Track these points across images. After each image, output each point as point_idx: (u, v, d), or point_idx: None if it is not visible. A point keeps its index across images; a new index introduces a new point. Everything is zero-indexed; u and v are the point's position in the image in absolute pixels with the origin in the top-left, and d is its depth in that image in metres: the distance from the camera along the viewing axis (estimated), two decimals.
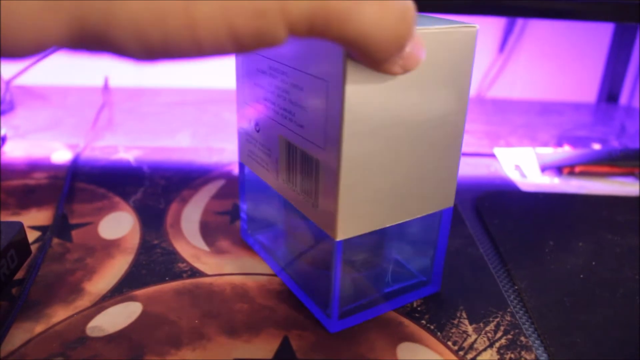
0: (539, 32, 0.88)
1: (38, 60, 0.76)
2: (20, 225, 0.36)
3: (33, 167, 0.53)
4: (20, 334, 0.31)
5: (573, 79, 0.91)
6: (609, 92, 0.87)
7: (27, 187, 0.48)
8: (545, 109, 0.82)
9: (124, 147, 0.59)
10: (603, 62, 0.89)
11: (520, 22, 0.87)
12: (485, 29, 0.87)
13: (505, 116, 0.77)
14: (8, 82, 0.72)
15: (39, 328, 0.32)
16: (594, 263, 0.40)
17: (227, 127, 0.64)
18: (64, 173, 0.51)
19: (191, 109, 0.73)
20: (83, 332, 0.32)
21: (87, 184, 0.50)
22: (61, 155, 0.56)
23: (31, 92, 0.77)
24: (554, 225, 0.45)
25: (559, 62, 0.90)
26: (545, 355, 0.31)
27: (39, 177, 0.50)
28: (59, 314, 0.33)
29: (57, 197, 0.47)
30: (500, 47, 0.88)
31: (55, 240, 0.40)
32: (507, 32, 0.87)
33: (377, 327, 0.33)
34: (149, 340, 0.31)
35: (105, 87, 0.76)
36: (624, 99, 0.89)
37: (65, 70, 0.83)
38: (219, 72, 0.85)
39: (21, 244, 0.36)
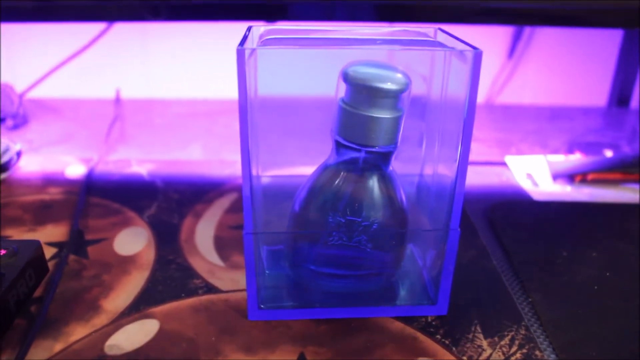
0: (548, 36, 0.87)
1: (50, 73, 0.77)
2: (37, 243, 0.37)
3: (48, 181, 0.53)
4: (39, 352, 0.32)
5: (583, 82, 0.91)
6: (620, 96, 0.87)
7: (42, 203, 0.49)
8: (556, 114, 0.81)
9: (136, 160, 0.59)
10: (613, 64, 0.89)
11: (528, 27, 0.86)
12: (494, 35, 0.87)
13: (515, 123, 0.77)
14: (21, 96, 0.73)
15: (58, 346, 0.32)
16: (608, 274, 0.40)
17: (238, 139, 0.65)
18: (78, 188, 0.52)
19: (203, 120, 0.73)
20: (101, 351, 0.32)
21: (102, 198, 0.50)
22: (75, 170, 0.56)
23: (44, 105, 0.78)
24: (567, 235, 0.45)
25: (568, 66, 0.89)
26: None
27: (54, 192, 0.51)
28: (77, 332, 0.33)
29: (73, 213, 0.47)
30: (509, 52, 0.88)
31: (72, 257, 0.41)
32: (516, 38, 0.87)
33: (393, 342, 0.33)
34: (167, 358, 0.31)
35: (117, 100, 0.77)
36: (635, 102, 0.88)
37: (77, 82, 0.84)
38: (230, 82, 0.85)
39: (39, 262, 0.37)
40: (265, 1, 0.55)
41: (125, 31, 0.79)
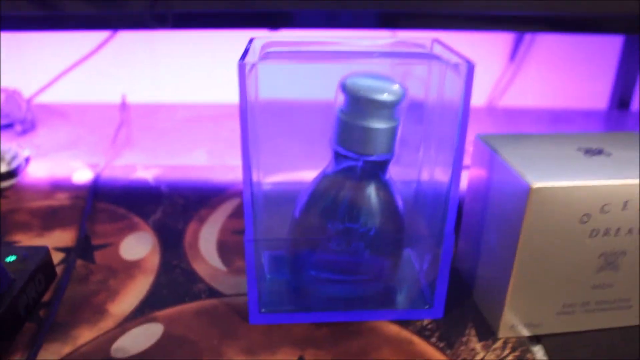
0: (550, 40, 0.88)
1: (58, 78, 0.78)
2: (46, 249, 0.38)
3: (56, 187, 0.54)
4: (48, 355, 0.33)
5: (584, 86, 0.91)
6: (621, 99, 0.87)
7: (50, 208, 0.50)
8: (557, 118, 0.82)
9: (142, 165, 0.60)
10: (614, 68, 0.89)
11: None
12: (495, 38, 0.88)
13: (517, 126, 0.78)
14: (29, 101, 0.74)
15: (66, 349, 0.33)
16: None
17: None
18: (85, 193, 0.53)
19: (208, 125, 0.74)
20: (108, 354, 0.33)
21: (108, 204, 0.51)
22: (82, 175, 0.57)
23: (51, 110, 0.79)
24: None
25: (569, 69, 0.90)
26: None
27: (62, 198, 0.52)
28: (85, 335, 0.35)
29: (80, 218, 0.48)
30: (511, 55, 0.89)
31: (79, 262, 0.42)
32: (518, 41, 0.88)
33: (389, 345, 0.34)
34: None
35: (123, 105, 0.78)
36: (635, 105, 0.89)
37: (84, 87, 0.85)
38: (235, 87, 0.86)
39: (47, 267, 0.38)
40: (268, 9, 0.56)
41: (131, 37, 0.80)
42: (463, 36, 0.76)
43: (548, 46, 0.89)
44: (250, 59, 0.30)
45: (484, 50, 0.87)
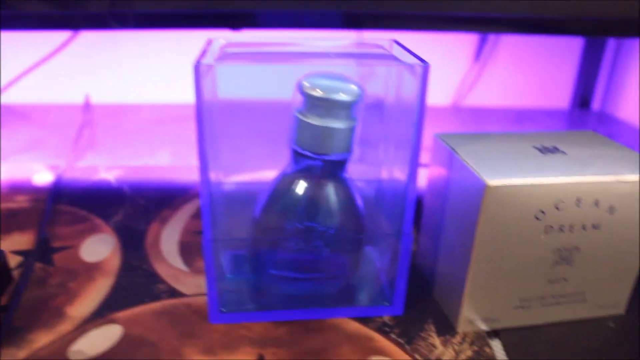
0: (514, 40, 0.90)
1: (19, 78, 0.77)
2: (2, 253, 0.37)
3: (15, 189, 0.54)
4: None
5: (547, 85, 0.93)
6: (582, 98, 0.89)
7: (9, 211, 0.49)
8: (521, 117, 0.83)
9: (105, 167, 0.60)
10: (576, 68, 0.91)
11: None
12: (460, 39, 0.89)
13: (481, 125, 0.79)
14: None
15: (22, 354, 0.33)
16: None
17: None
18: (45, 195, 0.52)
19: (172, 126, 0.74)
20: (65, 357, 0.33)
21: (69, 206, 0.50)
22: (43, 177, 0.56)
23: (11, 111, 0.78)
24: None
25: (533, 69, 0.92)
26: None
27: (21, 200, 0.51)
28: (42, 339, 0.34)
29: (39, 221, 0.47)
30: (476, 55, 0.90)
31: (38, 265, 0.41)
32: (482, 41, 0.89)
33: (349, 342, 0.34)
34: None
35: (86, 105, 0.77)
36: (596, 104, 0.91)
37: (46, 87, 0.84)
38: None
39: (3, 272, 0.37)
40: (231, 10, 0.56)
41: (94, 37, 0.79)
42: (428, 37, 0.77)
43: (512, 46, 0.90)
44: (208, 60, 0.30)
45: (449, 50, 0.88)
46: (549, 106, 0.92)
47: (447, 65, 0.89)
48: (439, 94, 0.90)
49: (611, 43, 0.87)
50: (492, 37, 0.89)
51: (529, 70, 0.92)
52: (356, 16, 0.59)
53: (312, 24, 0.59)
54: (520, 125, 0.79)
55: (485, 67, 0.91)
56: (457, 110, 0.86)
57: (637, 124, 0.81)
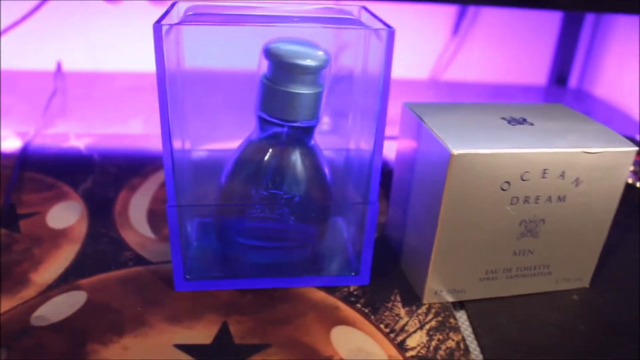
0: (492, 14, 0.89)
1: None
2: None
3: None
4: None
5: (525, 61, 0.93)
6: (559, 75, 0.89)
7: None
8: (497, 92, 0.84)
9: (75, 134, 0.59)
10: (553, 45, 0.91)
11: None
12: (438, 11, 0.88)
13: (456, 99, 0.79)
14: None
15: None
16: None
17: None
18: (12, 162, 0.51)
19: (146, 94, 0.73)
20: (27, 323, 0.32)
21: (36, 172, 0.50)
22: (10, 144, 0.55)
23: None
24: None
25: (511, 44, 0.91)
26: (472, 335, 0.33)
27: None
28: (4, 305, 0.34)
29: (5, 187, 0.47)
30: (454, 29, 0.90)
31: (3, 231, 0.41)
32: (461, 15, 0.89)
33: (314, 311, 0.34)
34: (92, 328, 0.32)
35: (58, 72, 0.76)
36: (573, 81, 0.91)
37: (17, 53, 0.82)
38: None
39: None
40: None
41: (68, 2, 0.77)
42: (407, 11, 0.77)
43: (490, 22, 0.90)
44: (169, 21, 0.30)
45: (427, 23, 0.88)
46: (526, 82, 0.92)
47: (426, 40, 0.88)
48: (416, 68, 0.90)
49: (589, 20, 0.87)
50: (470, 12, 0.89)
51: (506, 46, 0.92)
52: None
53: None
54: (497, 100, 0.79)
55: (463, 42, 0.91)
56: (434, 85, 0.86)
57: (613, 101, 0.82)
